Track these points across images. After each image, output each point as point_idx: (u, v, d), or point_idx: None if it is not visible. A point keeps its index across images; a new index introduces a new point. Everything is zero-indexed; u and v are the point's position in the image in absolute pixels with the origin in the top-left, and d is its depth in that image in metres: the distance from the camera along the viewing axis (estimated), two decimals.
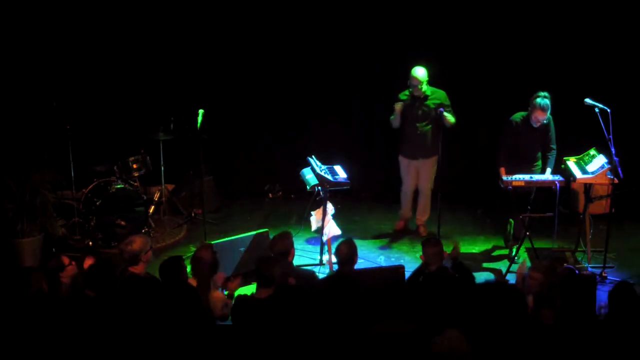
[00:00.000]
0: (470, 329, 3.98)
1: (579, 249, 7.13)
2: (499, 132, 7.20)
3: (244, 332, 4.50)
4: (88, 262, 5.34)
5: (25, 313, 4.46)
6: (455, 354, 3.85)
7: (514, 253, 6.83)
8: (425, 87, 7.41)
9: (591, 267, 6.76)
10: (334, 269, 6.54)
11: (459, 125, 7.56)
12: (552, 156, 7.00)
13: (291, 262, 5.69)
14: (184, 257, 5.24)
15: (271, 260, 4.94)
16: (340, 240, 5.94)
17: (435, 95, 7.48)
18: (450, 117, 7.37)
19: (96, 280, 4.66)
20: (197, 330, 4.34)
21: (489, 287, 5.70)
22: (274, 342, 4.15)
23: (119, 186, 7.65)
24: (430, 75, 7.39)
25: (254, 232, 6.75)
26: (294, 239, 5.78)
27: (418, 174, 7.71)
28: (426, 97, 7.45)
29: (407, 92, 7.50)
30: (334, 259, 6.27)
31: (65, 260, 5.28)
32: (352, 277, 4.70)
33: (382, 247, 7.59)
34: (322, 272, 6.79)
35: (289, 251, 5.61)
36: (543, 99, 6.72)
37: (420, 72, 7.35)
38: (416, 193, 7.87)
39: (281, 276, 4.80)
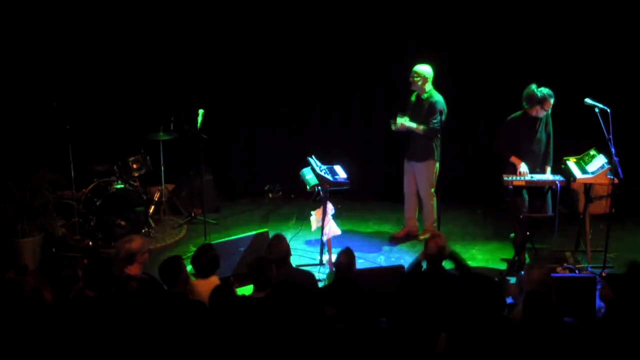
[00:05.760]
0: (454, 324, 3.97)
1: (578, 249, 7.12)
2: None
3: (244, 331, 4.50)
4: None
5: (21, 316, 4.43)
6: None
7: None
8: (421, 85, 7.25)
9: (591, 267, 6.76)
10: (333, 270, 6.53)
11: (459, 125, 7.52)
12: (551, 152, 6.94)
13: (290, 265, 5.68)
14: (183, 257, 5.23)
15: (265, 263, 4.82)
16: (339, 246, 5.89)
17: (430, 98, 7.26)
18: (411, 124, 7.24)
19: (95, 279, 4.65)
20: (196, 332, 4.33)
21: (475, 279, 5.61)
22: (272, 340, 4.14)
23: (119, 186, 7.65)
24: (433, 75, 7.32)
25: (253, 232, 6.75)
26: (294, 238, 5.76)
27: (415, 178, 7.58)
28: (420, 98, 7.32)
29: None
30: (334, 258, 6.26)
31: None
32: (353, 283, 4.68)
33: (382, 247, 7.59)
34: (322, 272, 6.79)
35: (288, 254, 5.58)
36: (543, 88, 6.67)
37: (418, 67, 7.25)
38: (419, 198, 7.69)
39: (278, 277, 4.78)
